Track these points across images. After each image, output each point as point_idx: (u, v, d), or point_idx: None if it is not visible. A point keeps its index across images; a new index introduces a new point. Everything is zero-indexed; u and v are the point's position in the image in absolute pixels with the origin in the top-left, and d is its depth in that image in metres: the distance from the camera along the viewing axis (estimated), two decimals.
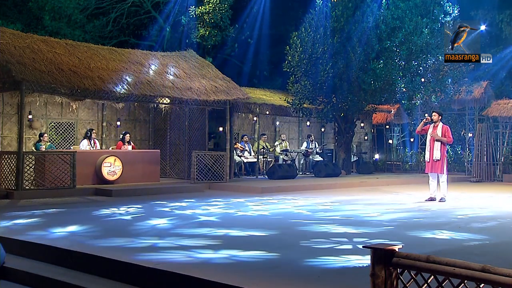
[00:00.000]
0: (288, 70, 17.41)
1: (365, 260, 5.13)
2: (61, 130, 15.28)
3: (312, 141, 18.78)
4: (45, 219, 8.41)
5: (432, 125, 11.22)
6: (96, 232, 7.14)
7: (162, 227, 7.71)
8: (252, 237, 6.97)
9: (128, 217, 8.71)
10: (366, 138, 22.27)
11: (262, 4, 23.69)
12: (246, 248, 6.04)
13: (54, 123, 15.15)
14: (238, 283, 4.42)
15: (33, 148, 13.87)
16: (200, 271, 4.87)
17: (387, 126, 22.24)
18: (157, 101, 14.59)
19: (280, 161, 17.73)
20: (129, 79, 13.72)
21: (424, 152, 12.54)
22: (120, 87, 13.31)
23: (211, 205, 10.62)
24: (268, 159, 18.12)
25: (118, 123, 16.22)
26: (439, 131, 11.12)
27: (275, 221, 8.51)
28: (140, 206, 10.15)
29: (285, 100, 17.69)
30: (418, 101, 17.60)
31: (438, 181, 11.24)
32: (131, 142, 14.96)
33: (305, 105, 17.69)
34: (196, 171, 14.33)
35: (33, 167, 11.96)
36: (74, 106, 15.15)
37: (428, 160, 11.25)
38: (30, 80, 11.77)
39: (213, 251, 5.87)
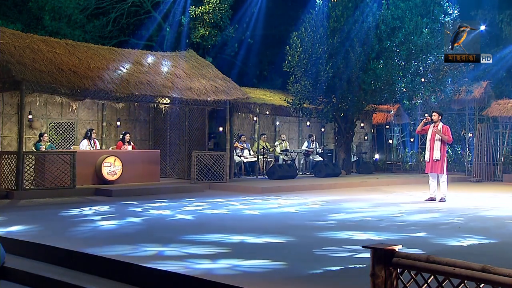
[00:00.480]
0: (288, 70, 17.41)
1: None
2: (61, 130, 15.28)
3: (313, 141, 18.79)
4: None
5: (432, 125, 11.24)
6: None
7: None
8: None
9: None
10: (366, 138, 22.27)
11: (262, 4, 23.69)
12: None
13: (54, 123, 15.14)
14: (239, 283, 4.42)
15: (33, 148, 13.87)
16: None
17: (387, 126, 22.24)
18: (157, 101, 14.59)
19: (280, 161, 17.73)
20: (129, 79, 13.72)
21: (424, 152, 12.55)
22: (120, 87, 13.30)
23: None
24: (268, 159, 18.12)
25: (118, 123, 16.22)
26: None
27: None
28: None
29: (285, 100, 17.69)
30: (418, 101, 17.60)
31: (438, 181, 11.26)
32: (131, 142, 14.96)
33: (305, 105, 17.69)
34: (196, 171, 14.33)
35: (33, 167, 11.96)
36: (74, 106, 15.15)
37: (428, 160, 11.27)
38: (30, 80, 11.77)
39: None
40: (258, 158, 17.53)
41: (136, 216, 8.85)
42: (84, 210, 9.60)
